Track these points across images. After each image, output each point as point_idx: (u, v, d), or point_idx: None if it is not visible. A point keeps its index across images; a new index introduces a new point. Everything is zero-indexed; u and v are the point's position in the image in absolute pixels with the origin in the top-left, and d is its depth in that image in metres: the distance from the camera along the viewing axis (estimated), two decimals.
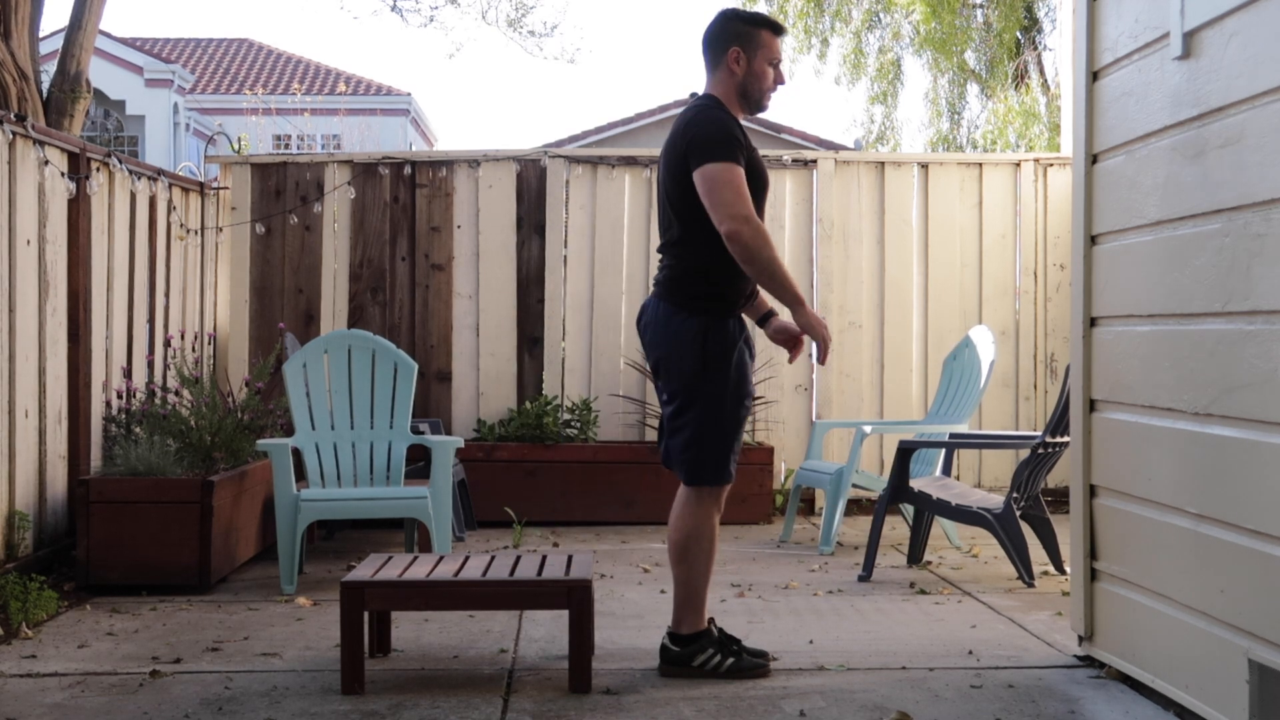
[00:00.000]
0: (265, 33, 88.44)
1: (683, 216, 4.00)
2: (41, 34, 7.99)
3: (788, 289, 3.95)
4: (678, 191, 4.00)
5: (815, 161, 8.10)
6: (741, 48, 4.05)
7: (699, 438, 3.98)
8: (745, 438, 7.71)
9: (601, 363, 7.94)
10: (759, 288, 4.12)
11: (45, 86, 7.80)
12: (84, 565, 5.41)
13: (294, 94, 26.36)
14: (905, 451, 5.89)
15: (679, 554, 4.04)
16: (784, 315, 4.16)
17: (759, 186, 4.05)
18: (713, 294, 3.99)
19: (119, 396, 6.31)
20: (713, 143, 3.92)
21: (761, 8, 19.50)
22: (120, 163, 6.42)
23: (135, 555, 5.41)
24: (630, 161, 8.07)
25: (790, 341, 4.11)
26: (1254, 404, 3.18)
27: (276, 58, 31.97)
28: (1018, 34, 17.99)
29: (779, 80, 4.12)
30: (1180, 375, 3.55)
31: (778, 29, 4.13)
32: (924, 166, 8.12)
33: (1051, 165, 8.10)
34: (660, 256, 4.15)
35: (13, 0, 7.30)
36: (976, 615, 5.00)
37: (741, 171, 3.93)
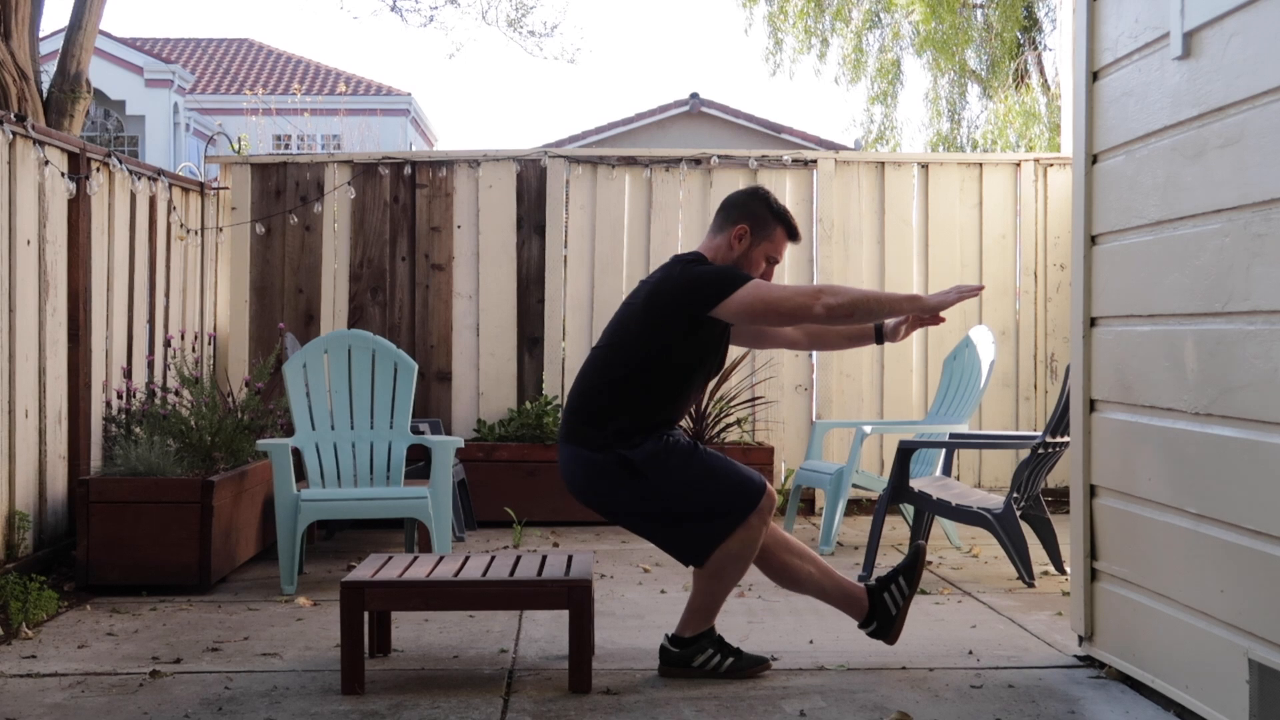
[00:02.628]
0: (265, 33, 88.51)
1: (642, 354, 3.93)
2: (41, 34, 7.99)
3: (898, 303, 3.94)
4: (651, 331, 3.93)
5: (815, 161, 8.10)
6: (750, 228, 4.04)
7: (701, 508, 3.92)
8: (745, 438, 7.72)
9: None
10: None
11: (45, 86, 7.80)
12: (84, 565, 5.41)
13: (294, 94, 26.35)
14: (905, 451, 5.88)
15: (714, 569, 3.97)
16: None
17: (715, 368, 4.09)
18: (635, 430, 3.92)
19: (119, 396, 6.31)
20: (727, 276, 3.91)
21: (762, 8, 19.52)
22: (120, 163, 6.42)
23: (135, 555, 5.41)
24: (630, 161, 8.07)
25: (916, 320, 4.08)
26: (1254, 404, 3.18)
27: (276, 58, 31.97)
28: (1018, 34, 17.98)
29: (767, 278, 4.10)
30: (1180, 375, 3.55)
31: (793, 234, 4.12)
32: (924, 166, 8.12)
33: (1051, 165, 8.10)
34: (584, 394, 4.02)
35: (13, 0, 7.30)
36: (976, 615, 5.00)
37: (765, 281, 3.97)
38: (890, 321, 4.16)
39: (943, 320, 4.06)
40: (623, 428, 3.92)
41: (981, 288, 3.99)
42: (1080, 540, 4.18)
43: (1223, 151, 3.34)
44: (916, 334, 8.00)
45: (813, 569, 4.11)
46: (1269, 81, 3.13)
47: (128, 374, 6.44)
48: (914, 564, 4.13)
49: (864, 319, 3.99)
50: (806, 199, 8.06)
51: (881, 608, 4.11)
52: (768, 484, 3.98)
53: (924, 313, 3.97)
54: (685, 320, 3.90)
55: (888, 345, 7.91)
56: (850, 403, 8.00)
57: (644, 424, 3.94)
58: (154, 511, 5.44)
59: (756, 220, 4.05)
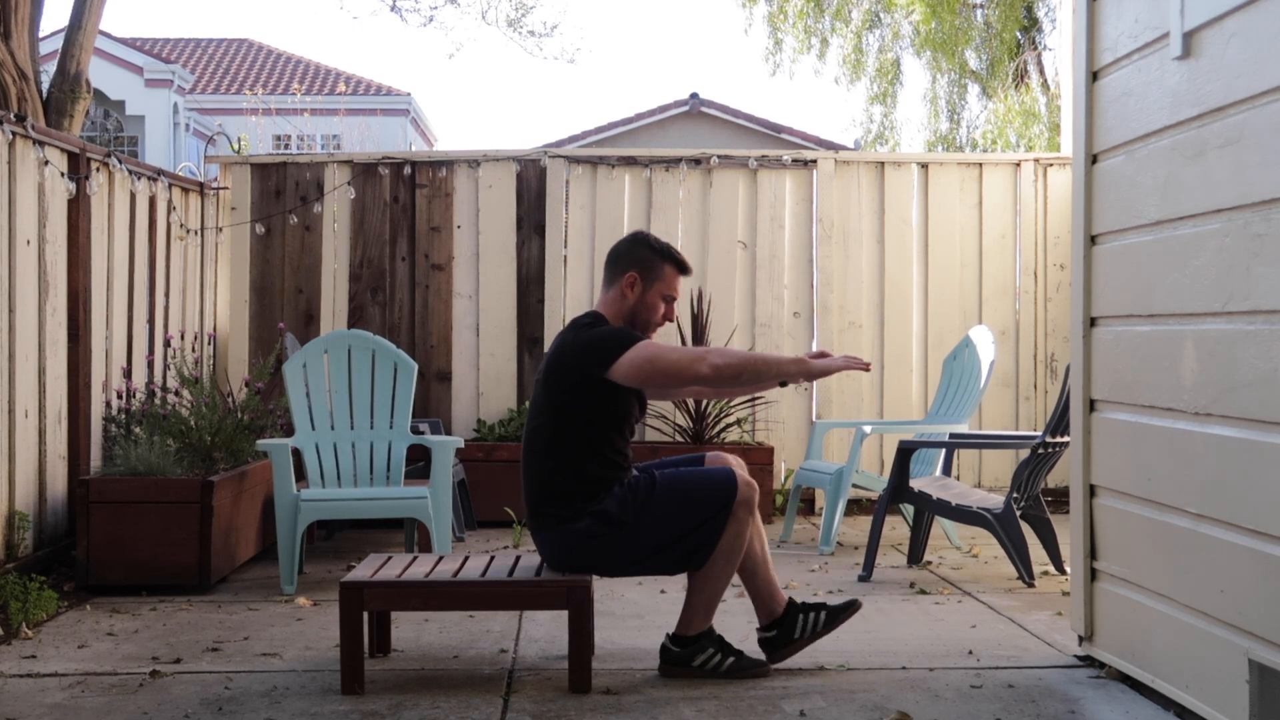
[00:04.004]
0: (265, 33, 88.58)
1: (559, 429, 3.96)
2: (41, 34, 7.99)
3: (785, 367, 4.00)
4: (558, 404, 3.97)
5: (815, 161, 8.10)
6: (639, 274, 4.06)
7: (683, 524, 3.94)
8: (745, 437, 7.72)
9: None
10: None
11: (45, 86, 7.80)
12: (84, 565, 5.41)
13: (294, 94, 26.35)
14: (905, 451, 5.88)
15: (708, 567, 4.00)
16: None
17: (638, 412, 4.10)
18: (604, 479, 3.96)
19: (119, 396, 6.31)
20: (614, 338, 3.94)
21: (762, 8, 19.53)
22: (120, 163, 6.42)
23: (135, 555, 5.41)
24: (630, 161, 8.07)
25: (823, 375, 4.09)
26: (1254, 404, 3.18)
27: (276, 58, 31.97)
28: (1018, 34, 17.99)
29: (669, 316, 4.12)
30: (1180, 375, 3.55)
31: (682, 267, 4.12)
32: (924, 166, 8.12)
33: (1051, 165, 8.10)
34: (532, 482, 4.02)
35: (13, 0, 7.30)
36: (976, 615, 5.00)
37: (654, 341, 4.00)
38: (792, 382, 4.17)
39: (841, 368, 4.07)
40: (581, 492, 3.95)
41: (868, 366, 4.02)
42: (1080, 540, 4.18)
43: (1223, 151, 3.34)
44: (916, 334, 8.02)
45: (761, 553, 4.10)
46: (1269, 81, 3.13)
47: (128, 374, 6.44)
48: (846, 609, 4.14)
49: (750, 382, 4.07)
50: (806, 199, 8.06)
51: (790, 623, 4.11)
52: (736, 473, 3.99)
53: (809, 379, 4.05)
54: (586, 383, 3.94)
55: (887, 345, 7.99)
56: (850, 402, 8.00)
57: (597, 481, 3.96)
58: (154, 511, 5.44)
59: (643, 264, 4.08)
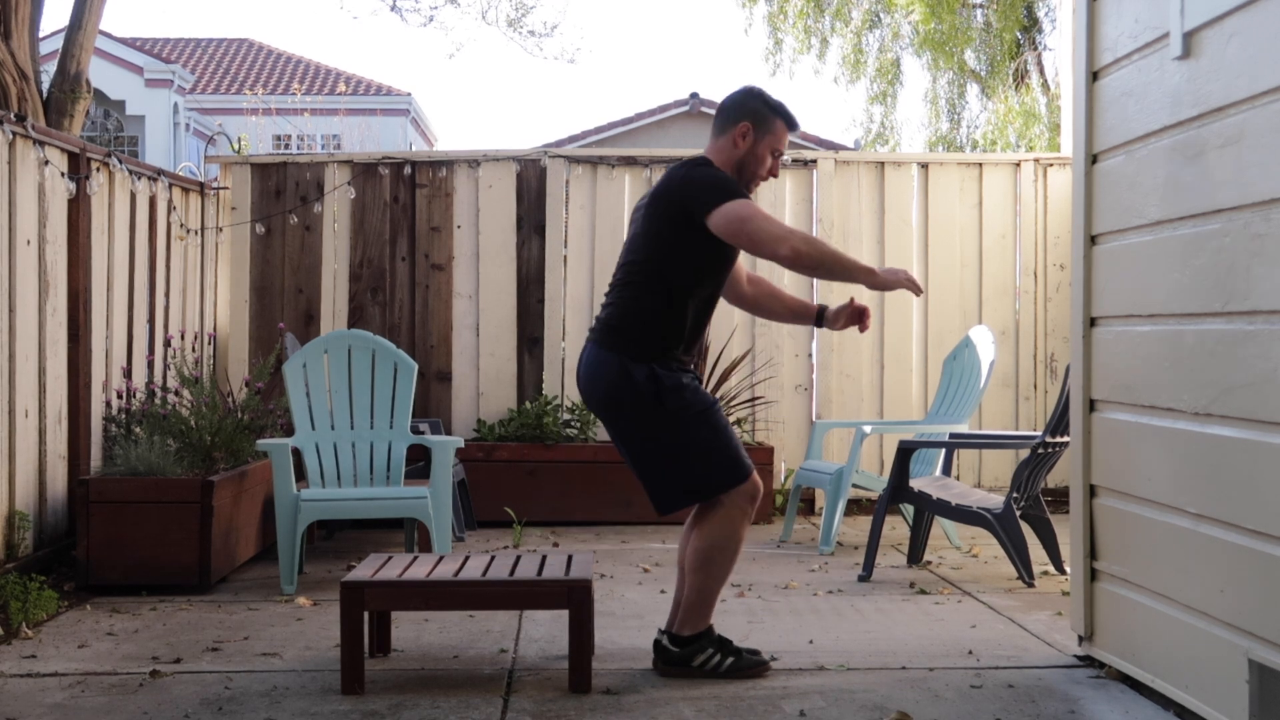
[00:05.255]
0: (265, 33, 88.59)
1: (652, 261, 3.99)
2: (41, 34, 7.99)
3: (859, 269, 4.01)
4: (657, 236, 3.99)
5: (815, 161, 8.10)
6: (753, 125, 4.08)
7: (693, 457, 3.95)
8: (745, 438, 7.72)
9: None
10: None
11: (45, 86, 7.80)
12: (84, 565, 5.41)
13: (294, 94, 26.35)
14: (905, 451, 5.88)
15: (700, 562, 3.99)
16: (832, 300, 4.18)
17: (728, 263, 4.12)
18: (660, 345, 3.96)
19: (119, 396, 6.31)
20: (722, 185, 3.95)
21: (762, 8, 19.53)
22: (120, 163, 6.42)
23: (135, 555, 5.41)
24: (630, 161, 8.07)
25: (855, 317, 4.19)
26: (1254, 404, 3.18)
27: (276, 58, 31.97)
28: (1018, 34, 17.98)
29: (773, 172, 4.15)
30: (1180, 375, 3.55)
31: (793, 124, 4.17)
32: (924, 166, 8.12)
33: (1051, 165, 8.10)
34: (605, 300, 4.11)
35: (13, 0, 7.30)
36: (976, 615, 5.00)
37: (756, 205, 4.00)
38: (832, 309, 4.28)
39: (867, 328, 4.20)
40: (650, 339, 3.96)
41: (922, 291, 4.08)
42: (1080, 540, 4.18)
43: (1223, 151, 3.34)
44: (916, 334, 8.02)
45: (722, 572, 4.04)
46: (1269, 82, 3.13)
47: (128, 374, 6.44)
48: (754, 664, 4.08)
49: (825, 275, 4.14)
50: (806, 199, 8.06)
51: (700, 643, 4.04)
52: (755, 473, 4.00)
53: (873, 288, 4.07)
54: (686, 221, 3.95)
55: (887, 345, 7.99)
56: (850, 403, 8.00)
57: (667, 340, 3.97)
58: (154, 511, 5.44)
59: (757, 116, 4.10)
